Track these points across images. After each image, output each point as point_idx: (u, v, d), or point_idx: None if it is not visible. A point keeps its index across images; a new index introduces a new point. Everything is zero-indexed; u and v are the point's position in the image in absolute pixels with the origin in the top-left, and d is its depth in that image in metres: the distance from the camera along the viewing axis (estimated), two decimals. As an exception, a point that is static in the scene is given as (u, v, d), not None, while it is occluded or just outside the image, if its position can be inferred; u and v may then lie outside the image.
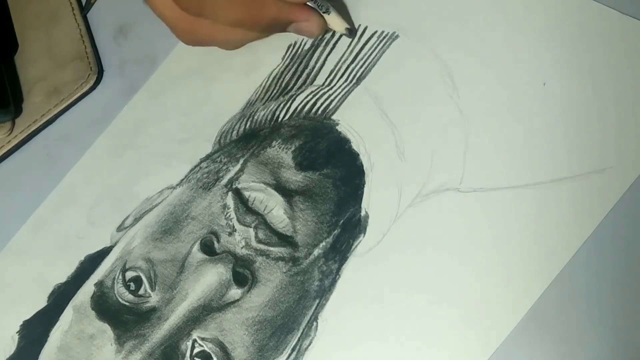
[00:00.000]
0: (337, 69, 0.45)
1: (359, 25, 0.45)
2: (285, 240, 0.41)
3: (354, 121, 0.43)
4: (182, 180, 0.46)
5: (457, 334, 0.36)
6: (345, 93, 0.44)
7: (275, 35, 0.46)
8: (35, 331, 0.45)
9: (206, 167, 0.46)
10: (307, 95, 0.45)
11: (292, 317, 0.40)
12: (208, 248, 0.42)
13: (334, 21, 0.44)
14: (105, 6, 0.55)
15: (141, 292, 0.43)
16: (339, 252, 0.40)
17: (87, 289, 0.45)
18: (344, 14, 0.45)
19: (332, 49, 0.45)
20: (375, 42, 0.44)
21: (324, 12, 0.44)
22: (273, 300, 0.40)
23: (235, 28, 0.44)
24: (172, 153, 0.47)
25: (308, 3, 0.43)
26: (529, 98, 0.39)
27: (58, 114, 0.52)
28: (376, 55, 0.44)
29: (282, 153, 0.44)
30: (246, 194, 0.43)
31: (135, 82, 0.51)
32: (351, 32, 0.45)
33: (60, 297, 0.46)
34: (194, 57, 0.49)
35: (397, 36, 0.44)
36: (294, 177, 0.43)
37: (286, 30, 0.45)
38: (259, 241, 0.41)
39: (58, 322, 0.45)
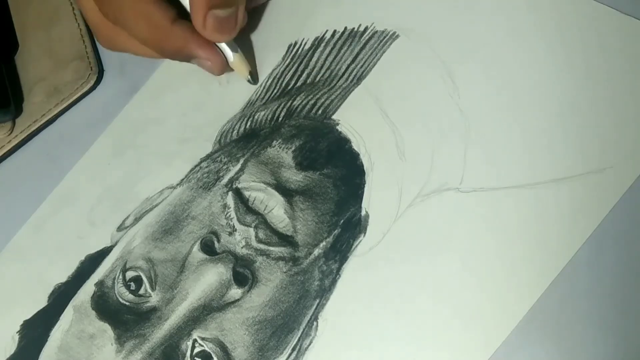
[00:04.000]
0: (337, 68, 0.45)
1: (359, 25, 0.45)
2: (285, 240, 0.41)
3: (354, 121, 0.43)
4: (183, 180, 0.46)
5: (457, 334, 0.36)
6: (345, 93, 0.44)
7: (276, 35, 0.47)
8: (35, 331, 0.45)
9: (206, 167, 0.46)
10: (308, 95, 0.45)
11: (293, 317, 0.40)
12: (208, 248, 0.42)
13: (238, 65, 0.46)
14: (105, 6, 0.55)
15: (141, 291, 0.43)
16: (339, 251, 0.40)
17: (88, 289, 0.45)
18: (251, 59, 0.46)
19: (332, 48, 0.46)
20: (375, 42, 0.44)
21: (230, 56, 0.45)
22: (273, 300, 0.40)
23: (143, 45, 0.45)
24: (172, 153, 0.47)
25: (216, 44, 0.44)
26: (529, 98, 0.39)
27: (58, 113, 0.52)
28: (376, 55, 0.44)
29: (282, 153, 0.44)
30: (246, 193, 0.43)
31: (135, 82, 0.51)
32: (253, 78, 0.46)
33: (61, 297, 0.46)
34: (194, 57, 0.50)
35: (397, 36, 0.44)
36: (294, 177, 0.43)
37: (189, 62, 0.46)
38: (259, 241, 0.42)
39: (58, 322, 0.45)
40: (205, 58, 0.45)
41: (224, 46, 0.45)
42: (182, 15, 0.44)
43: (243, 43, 0.46)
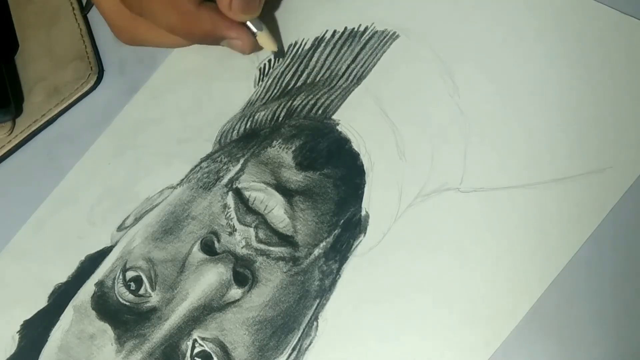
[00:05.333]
0: (337, 68, 0.45)
1: (359, 25, 0.45)
2: (285, 240, 0.41)
3: (354, 121, 0.43)
4: (183, 180, 0.46)
5: (458, 333, 0.36)
6: (345, 93, 0.44)
7: (276, 35, 0.47)
8: (35, 331, 0.45)
9: (206, 167, 0.46)
10: (308, 95, 0.45)
11: (293, 317, 0.40)
12: (208, 248, 0.42)
13: (264, 41, 0.46)
14: (105, 6, 0.55)
15: (141, 292, 0.43)
16: (340, 251, 0.40)
17: (88, 289, 0.45)
18: (276, 34, 0.47)
19: (332, 49, 0.46)
20: (375, 42, 0.44)
21: (256, 32, 0.45)
22: (273, 300, 0.40)
23: (169, 34, 0.45)
24: (172, 153, 0.47)
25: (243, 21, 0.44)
26: (529, 98, 0.39)
27: (58, 113, 0.52)
28: (376, 55, 0.44)
29: (282, 153, 0.44)
30: (246, 193, 0.43)
31: (135, 82, 0.51)
32: (279, 52, 0.46)
33: (61, 297, 0.46)
34: (194, 57, 0.49)
35: (397, 36, 0.44)
36: (295, 177, 0.43)
37: (219, 44, 0.46)
38: (260, 241, 0.42)
39: (58, 322, 0.45)
40: (235, 37, 0.45)
41: (249, 24, 0.45)
42: None
43: (266, 20, 0.47)
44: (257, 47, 0.46)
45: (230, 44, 0.46)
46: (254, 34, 0.45)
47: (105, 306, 0.44)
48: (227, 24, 0.44)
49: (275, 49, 0.46)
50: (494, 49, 0.41)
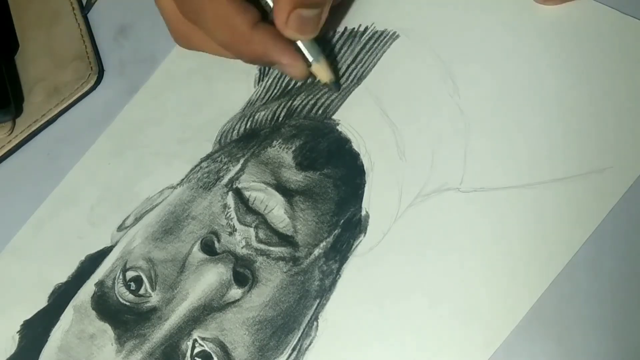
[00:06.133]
0: (337, 69, 0.45)
1: (359, 25, 0.45)
2: (285, 240, 0.41)
3: (354, 121, 0.43)
4: (183, 180, 0.46)
5: (457, 334, 0.36)
6: (345, 93, 0.44)
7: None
8: (35, 331, 0.45)
9: (206, 167, 0.46)
10: (308, 95, 0.45)
11: (293, 317, 0.40)
12: (208, 248, 0.42)
13: (319, 71, 0.43)
14: (105, 6, 0.55)
15: (142, 291, 0.43)
16: (340, 251, 0.40)
17: (88, 289, 0.45)
18: (333, 65, 0.44)
19: (332, 49, 0.45)
20: (375, 42, 0.44)
21: (312, 61, 0.42)
22: (273, 300, 0.40)
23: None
24: (172, 153, 0.47)
25: (298, 45, 0.42)
26: (529, 98, 0.39)
27: (58, 113, 0.52)
28: (376, 55, 0.44)
29: (282, 153, 0.44)
30: (246, 193, 0.43)
31: (135, 82, 0.51)
32: (335, 86, 0.44)
33: (61, 297, 0.46)
34: (194, 57, 0.49)
35: (397, 36, 0.44)
36: (295, 177, 0.43)
37: (271, 67, 0.45)
38: (260, 241, 0.42)
39: (58, 322, 0.45)
40: (287, 64, 0.42)
41: (305, 50, 0.42)
42: (264, 16, 0.42)
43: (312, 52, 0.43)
44: (310, 74, 0.44)
45: (282, 70, 0.44)
46: (308, 63, 0.43)
47: (105, 306, 0.44)
48: (280, 48, 0.42)
49: (329, 81, 0.43)
50: (494, 49, 0.41)
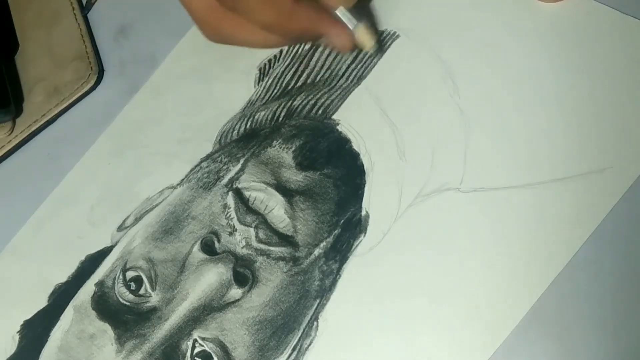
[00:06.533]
0: (337, 68, 0.45)
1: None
2: (285, 240, 0.41)
3: (354, 121, 0.43)
4: (183, 179, 0.46)
5: (458, 334, 0.36)
6: (345, 93, 0.44)
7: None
8: (36, 331, 0.45)
9: (207, 167, 0.46)
10: (308, 95, 0.45)
11: (293, 317, 0.40)
12: (208, 248, 0.42)
13: (362, 36, 0.43)
14: (105, 6, 0.55)
15: (142, 292, 0.43)
16: (340, 251, 0.40)
17: (88, 289, 0.45)
18: (373, 28, 0.43)
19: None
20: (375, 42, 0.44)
21: (354, 28, 0.42)
22: (274, 300, 0.40)
23: (262, 31, 0.42)
24: (172, 153, 0.47)
25: (338, 14, 0.42)
26: (529, 98, 0.39)
27: (58, 113, 0.52)
28: (377, 55, 0.44)
29: (282, 153, 0.44)
30: (247, 193, 0.43)
31: (135, 82, 0.51)
32: (378, 48, 0.43)
33: (61, 297, 0.46)
34: (194, 57, 0.50)
35: (397, 36, 0.44)
36: (295, 177, 0.43)
37: (317, 42, 0.44)
38: (260, 241, 0.42)
39: (59, 322, 0.45)
40: (335, 34, 0.42)
41: (346, 18, 0.42)
42: None
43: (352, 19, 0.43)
44: (354, 47, 0.43)
45: (330, 41, 0.43)
46: (350, 31, 0.42)
47: (105, 306, 0.44)
48: (325, 20, 0.41)
49: (373, 46, 0.43)
50: (494, 49, 0.41)
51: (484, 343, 0.36)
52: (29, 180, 0.51)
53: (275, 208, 0.42)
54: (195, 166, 0.46)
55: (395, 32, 0.44)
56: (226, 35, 0.44)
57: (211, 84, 0.48)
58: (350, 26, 0.42)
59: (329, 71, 0.45)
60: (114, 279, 0.44)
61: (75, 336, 0.44)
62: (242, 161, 0.44)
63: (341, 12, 0.42)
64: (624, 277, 0.35)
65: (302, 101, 0.45)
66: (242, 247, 0.42)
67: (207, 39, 0.45)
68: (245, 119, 0.46)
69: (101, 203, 0.48)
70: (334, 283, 0.40)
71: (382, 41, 0.44)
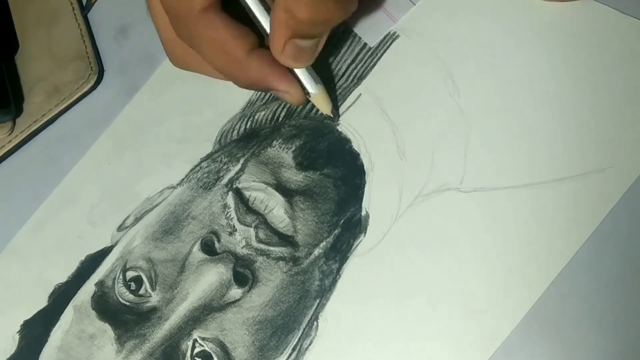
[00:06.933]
0: (337, 68, 0.45)
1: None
2: (285, 240, 0.41)
3: (354, 121, 0.43)
4: (183, 180, 0.46)
5: (457, 334, 0.36)
6: (345, 93, 0.44)
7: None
8: (35, 331, 0.45)
9: (207, 167, 0.46)
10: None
11: (293, 317, 0.40)
12: (208, 248, 0.42)
13: (318, 101, 0.42)
14: (105, 6, 0.55)
15: (142, 292, 0.43)
16: (340, 251, 0.40)
17: (88, 289, 0.45)
18: (331, 95, 0.43)
19: (332, 48, 0.45)
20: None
21: (310, 89, 0.42)
22: (274, 300, 0.40)
23: (215, 71, 0.43)
24: (172, 153, 0.47)
25: (297, 73, 0.41)
26: (530, 98, 0.39)
27: (59, 113, 0.52)
28: (376, 55, 0.44)
29: (282, 153, 0.44)
30: (247, 193, 0.43)
31: (135, 82, 0.51)
32: (333, 115, 0.43)
33: (61, 296, 0.46)
34: (194, 57, 0.50)
35: (397, 36, 0.44)
36: (295, 177, 0.43)
37: (268, 92, 0.44)
38: (260, 241, 0.42)
39: (58, 322, 0.45)
40: (283, 91, 0.41)
41: (303, 77, 0.42)
42: (261, 41, 0.41)
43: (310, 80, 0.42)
44: (307, 101, 0.43)
45: (278, 96, 0.43)
46: (307, 92, 0.42)
47: (105, 306, 0.44)
48: (277, 75, 0.41)
49: (328, 113, 0.43)
50: (494, 49, 0.41)
51: (484, 343, 0.36)
52: (29, 180, 0.51)
53: (275, 208, 0.42)
54: (195, 166, 0.46)
55: (395, 32, 0.44)
56: (191, 67, 0.45)
57: (211, 84, 0.48)
58: (309, 89, 0.42)
59: (329, 71, 0.45)
60: (114, 279, 0.44)
61: (75, 336, 0.44)
62: (242, 161, 0.44)
63: (300, 72, 0.41)
64: (624, 277, 0.35)
65: (302, 101, 0.45)
66: (242, 247, 0.42)
67: (175, 66, 0.46)
68: (245, 119, 0.46)
69: (101, 203, 0.48)
70: (334, 283, 0.40)
71: (338, 109, 0.44)
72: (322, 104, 0.43)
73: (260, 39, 0.41)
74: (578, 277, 0.35)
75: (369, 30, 0.44)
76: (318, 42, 0.40)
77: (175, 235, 0.44)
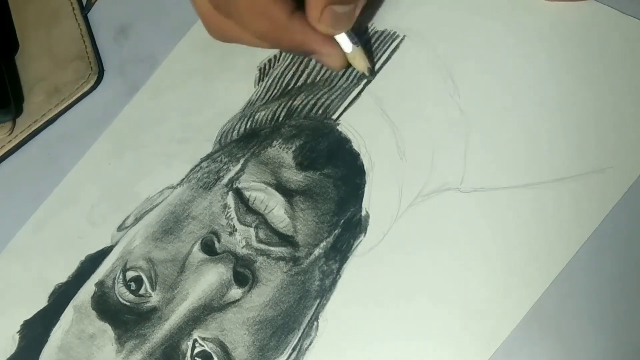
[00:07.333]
0: (372, 56, 0.44)
1: (360, 25, 0.45)
2: (285, 240, 0.41)
3: (354, 121, 0.43)
4: (183, 180, 0.46)
5: (458, 334, 0.36)
6: (345, 93, 0.44)
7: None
8: (35, 331, 0.45)
9: (207, 167, 0.46)
10: (308, 95, 0.45)
11: (293, 317, 0.40)
12: (209, 248, 0.42)
13: (356, 60, 0.43)
14: (105, 6, 0.55)
15: (142, 292, 0.43)
16: (340, 251, 0.40)
17: (88, 289, 0.45)
18: (369, 52, 0.44)
19: (332, 49, 0.46)
20: (375, 42, 0.44)
21: (348, 49, 0.42)
22: (274, 300, 0.40)
23: (255, 38, 0.43)
24: (172, 153, 0.47)
25: (337, 37, 0.42)
26: (530, 98, 0.39)
27: (59, 113, 0.52)
28: (377, 55, 0.44)
29: (282, 153, 0.44)
30: (247, 193, 0.43)
31: (135, 82, 0.51)
32: (370, 72, 0.43)
33: (61, 297, 0.46)
34: (194, 57, 0.50)
35: (397, 36, 0.44)
36: (295, 177, 0.43)
37: (309, 57, 0.44)
38: (260, 241, 0.42)
39: (59, 322, 0.45)
40: (326, 53, 0.42)
41: (341, 38, 0.42)
42: (300, 4, 0.41)
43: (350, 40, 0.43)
44: (348, 64, 0.43)
45: (320, 59, 0.43)
46: (346, 49, 0.42)
47: (105, 306, 0.44)
48: (318, 37, 0.41)
49: (366, 70, 0.43)
50: (494, 49, 0.41)
51: (484, 343, 0.36)
52: (29, 180, 0.51)
53: (275, 208, 0.42)
54: (195, 166, 0.46)
55: (395, 32, 0.44)
56: (230, 38, 0.45)
57: (211, 84, 0.49)
58: (346, 49, 0.42)
59: (329, 71, 0.45)
60: (114, 279, 0.44)
61: (75, 336, 0.44)
62: (242, 161, 0.44)
63: (337, 35, 0.42)
64: (624, 277, 0.35)
65: (302, 101, 0.45)
66: (242, 247, 0.42)
67: (213, 38, 0.46)
68: (246, 119, 0.46)
69: (101, 203, 0.48)
70: (334, 283, 0.40)
71: (375, 65, 0.44)
72: (359, 63, 0.43)
73: (298, 3, 0.41)
74: (578, 277, 0.35)
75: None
76: (355, 7, 0.41)
77: (175, 235, 0.44)
